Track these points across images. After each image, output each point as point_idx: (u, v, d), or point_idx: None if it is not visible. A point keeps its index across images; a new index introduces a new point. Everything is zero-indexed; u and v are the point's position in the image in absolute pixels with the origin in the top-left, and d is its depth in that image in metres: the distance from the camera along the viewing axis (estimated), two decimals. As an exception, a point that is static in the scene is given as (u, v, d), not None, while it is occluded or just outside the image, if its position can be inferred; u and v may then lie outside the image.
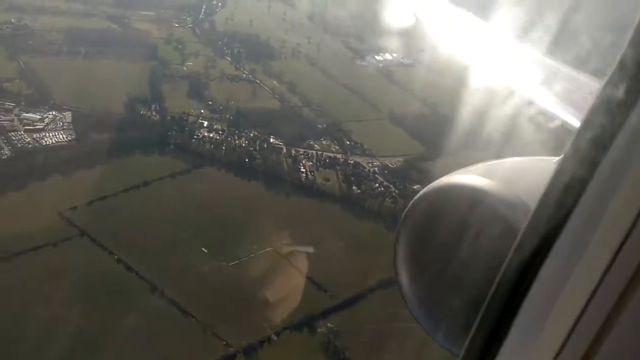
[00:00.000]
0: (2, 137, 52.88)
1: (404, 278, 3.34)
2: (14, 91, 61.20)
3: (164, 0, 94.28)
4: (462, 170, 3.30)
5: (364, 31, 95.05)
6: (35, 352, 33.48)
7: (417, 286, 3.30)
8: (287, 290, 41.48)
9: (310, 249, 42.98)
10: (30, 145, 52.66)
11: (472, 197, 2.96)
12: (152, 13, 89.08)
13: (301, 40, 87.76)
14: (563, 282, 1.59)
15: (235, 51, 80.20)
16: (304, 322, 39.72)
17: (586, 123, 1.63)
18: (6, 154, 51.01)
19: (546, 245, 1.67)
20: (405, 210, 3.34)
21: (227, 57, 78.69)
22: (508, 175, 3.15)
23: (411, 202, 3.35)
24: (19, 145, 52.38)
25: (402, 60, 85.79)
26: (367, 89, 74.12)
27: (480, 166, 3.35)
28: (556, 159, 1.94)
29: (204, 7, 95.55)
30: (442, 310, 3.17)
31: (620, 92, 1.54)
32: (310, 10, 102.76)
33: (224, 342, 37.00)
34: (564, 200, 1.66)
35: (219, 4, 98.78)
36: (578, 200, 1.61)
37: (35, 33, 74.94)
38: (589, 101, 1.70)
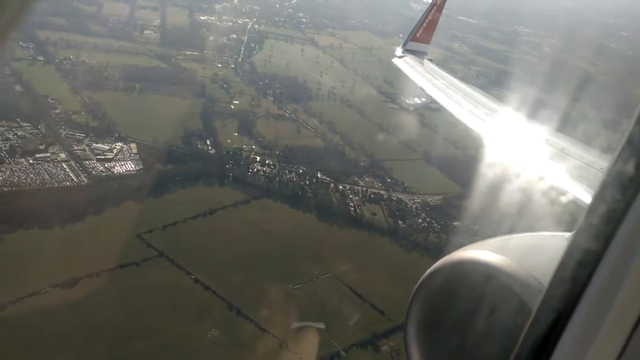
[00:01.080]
0: (79, 165, 57.33)
1: (416, 355, 3.34)
2: (82, 123, 66.03)
3: (206, 42, 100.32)
4: (474, 245, 3.31)
5: (392, 76, 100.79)
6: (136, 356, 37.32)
7: None
8: (348, 311, 45.35)
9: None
10: (104, 174, 57.05)
11: (485, 273, 2.96)
12: (196, 53, 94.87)
13: (335, 83, 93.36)
14: None
15: (276, 91, 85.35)
16: (368, 340, 43.53)
17: (597, 199, 1.73)
18: (84, 180, 55.40)
19: (560, 323, 1.71)
20: (417, 284, 3.38)
21: (270, 97, 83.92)
22: (520, 251, 3.14)
23: (423, 276, 3.39)
24: (94, 173, 56.77)
25: (430, 104, 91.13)
26: (401, 130, 78.80)
27: (492, 241, 3.36)
28: (568, 234, 1.99)
29: (242, 48, 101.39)
30: None
31: (629, 168, 1.66)
32: (340, 55, 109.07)
33: (299, 356, 40.73)
34: (576, 277, 1.71)
35: (256, 46, 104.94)
36: (591, 277, 1.66)
37: (94, 69, 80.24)
38: (600, 178, 1.89)
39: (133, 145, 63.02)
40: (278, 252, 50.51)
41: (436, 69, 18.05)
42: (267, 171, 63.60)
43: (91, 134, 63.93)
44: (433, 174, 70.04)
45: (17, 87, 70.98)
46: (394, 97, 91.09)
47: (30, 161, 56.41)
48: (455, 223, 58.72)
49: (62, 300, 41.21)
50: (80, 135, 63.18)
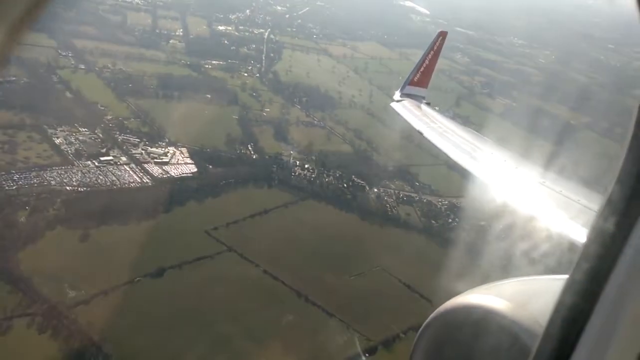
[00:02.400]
0: (140, 168, 62.27)
1: None
2: (133, 128, 70.99)
3: (229, 52, 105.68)
4: (475, 289, 3.37)
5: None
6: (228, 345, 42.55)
7: None
8: (401, 300, 50.96)
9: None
10: (164, 176, 62.04)
11: (490, 319, 3.00)
12: (222, 62, 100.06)
13: (354, 92, 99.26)
14: None
15: (302, 100, 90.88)
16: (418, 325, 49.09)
17: (589, 244, 1.80)
18: (148, 182, 60.36)
19: None
20: (420, 329, 3.50)
21: (297, 105, 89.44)
22: (524, 296, 3.19)
23: (427, 320, 3.49)
24: (155, 175, 61.74)
25: (443, 113, 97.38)
26: (420, 138, 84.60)
27: (493, 286, 3.46)
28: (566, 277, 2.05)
29: (263, 58, 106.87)
30: None
31: (616, 215, 1.75)
32: (353, 65, 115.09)
33: (365, 337, 46.19)
34: (573, 320, 1.76)
35: (275, 56, 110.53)
36: (588, 319, 1.72)
37: (132, 77, 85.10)
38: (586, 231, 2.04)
39: (184, 150, 68.07)
40: (330, 247, 55.88)
41: (433, 113, 18.39)
42: (308, 175, 69.00)
43: (144, 139, 68.86)
44: (454, 178, 75.91)
45: (68, 94, 75.55)
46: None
47: (96, 164, 61.20)
48: (482, 223, 64.51)
49: (155, 289, 46.30)
50: (135, 140, 68.09)
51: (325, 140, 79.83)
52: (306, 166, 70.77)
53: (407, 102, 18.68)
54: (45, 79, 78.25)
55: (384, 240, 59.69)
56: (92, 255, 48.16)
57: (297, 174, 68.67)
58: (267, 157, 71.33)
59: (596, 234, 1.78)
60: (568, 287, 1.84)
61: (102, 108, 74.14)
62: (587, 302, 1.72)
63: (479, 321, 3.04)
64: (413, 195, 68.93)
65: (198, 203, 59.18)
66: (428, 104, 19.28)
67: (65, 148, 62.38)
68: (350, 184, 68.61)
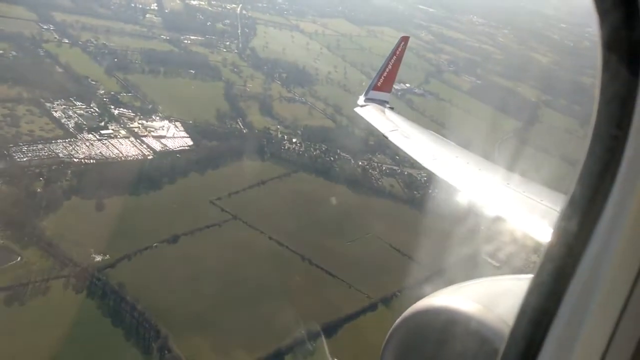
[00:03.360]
0: (139, 141, 65.00)
1: None
2: (127, 102, 73.29)
3: (205, 27, 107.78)
4: (443, 290, 3.40)
5: (377, 64, 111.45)
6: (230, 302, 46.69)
7: None
8: (393, 262, 55.90)
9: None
10: (164, 149, 64.96)
11: (455, 321, 3.03)
12: (200, 38, 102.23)
13: (329, 68, 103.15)
14: None
15: (282, 76, 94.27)
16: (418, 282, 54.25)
17: (553, 242, 1.85)
18: (150, 155, 63.21)
19: None
20: (389, 331, 3.45)
21: (277, 81, 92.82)
22: (491, 296, 3.24)
23: (395, 324, 3.45)
24: (154, 148, 64.61)
25: (415, 90, 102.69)
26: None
27: (460, 287, 3.48)
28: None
29: (239, 34, 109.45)
30: None
31: (573, 226, 1.81)
32: (325, 41, 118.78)
33: (366, 295, 50.98)
34: (538, 319, 1.80)
35: (250, 32, 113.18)
36: (553, 319, 1.77)
37: (117, 52, 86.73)
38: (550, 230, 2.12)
39: (178, 124, 70.92)
40: (325, 216, 60.18)
41: (397, 117, 18.43)
42: (296, 149, 72.92)
43: (139, 113, 71.31)
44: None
45: (58, 68, 76.95)
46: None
47: (97, 137, 63.58)
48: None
49: (172, 253, 49.87)
50: (130, 114, 70.56)
51: (307, 116, 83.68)
52: (294, 140, 74.62)
53: (371, 107, 18.79)
54: (33, 53, 79.30)
55: (373, 210, 64.40)
56: (109, 223, 51.20)
57: (286, 147, 72.48)
58: (256, 131, 74.82)
59: (559, 234, 1.84)
60: (532, 288, 1.90)
61: (94, 82, 75.96)
62: (552, 302, 1.79)
63: (448, 323, 3.05)
64: (395, 167, 73.68)
65: (199, 174, 62.51)
66: (392, 108, 19.20)
67: (65, 122, 64.45)
68: (337, 157, 72.84)
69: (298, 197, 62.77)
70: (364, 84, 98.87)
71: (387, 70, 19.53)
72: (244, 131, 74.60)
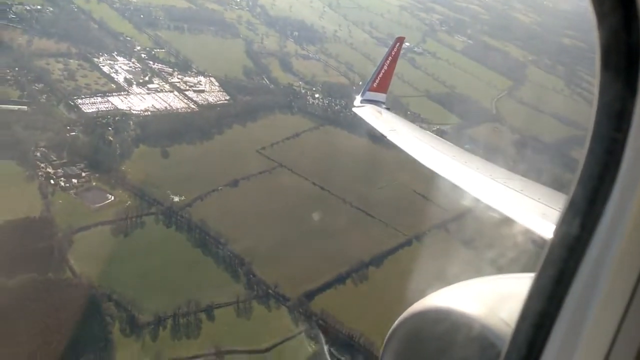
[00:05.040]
0: (182, 96, 71.07)
1: None
2: (163, 58, 78.73)
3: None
4: (444, 289, 3.36)
5: (376, 22, 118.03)
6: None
7: None
8: (419, 206, 64.15)
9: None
10: (205, 102, 71.22)
11: (456, 321, 2.99)
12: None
13: (334, 26, 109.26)
14: None
15: (294, 34, 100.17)
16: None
17: (549, 257, 1.84)
18: (194, 108, 69.47)
19: None
20: (389, 331, 3.43)
21: (290, 39, 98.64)
22: (491, 296, 3.23)
23: (395, 323, 3.41)
24: (199, 102, 70.82)
25: (415, 48, 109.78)
26: (402, 71, 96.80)
27: (461, 286, 3.44)
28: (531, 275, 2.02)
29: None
30: None
31: (574, 228, 1.79)
32: (327, 0, 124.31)
33: (402, 233, 59.22)
34: (540, 322, 1.80)
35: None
36: (554, 321, 1.77)
37: (142, 9, 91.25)
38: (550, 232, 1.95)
39: (213, 79, 76.92)
40: (357, 164, 67.82)
41: (393, 117, 18.63)
42: (319, 103, 79.85)
43: (175, 69, 76.99)
44: (436, 108, 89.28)
45: (93, 25, 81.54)
46: (384, 41, 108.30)
47: (146, 91, 69.42)
48: (465, 146, 78.21)
49: (235, 195, 57.09)
50: (168, 69, 76.17)
51: (323, 73, 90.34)
52: (316, 96, 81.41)
53: (368, 108, 18.83)
54: (67, 9, 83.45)
55: (395, 160, 72.19)
56: (176, 168, 58.04)
57: (310, 102, 79.28)
58: (282, 87, 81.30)
59: (560, 235, 1.83)
60: (534, 290, 1.88)
61: (129, 38, 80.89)
62: (553, 305, 1.78)
63: (449, 324, 3.00)
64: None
65: (241, 126, 69.23)
66: (388, 109, 19.33)
67: (115, 76, 69.94)
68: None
69: (329, 147, 70.08)
70: (368, 43, 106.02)
71: (383, 71, 19.48)
72: (271, 87, 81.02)
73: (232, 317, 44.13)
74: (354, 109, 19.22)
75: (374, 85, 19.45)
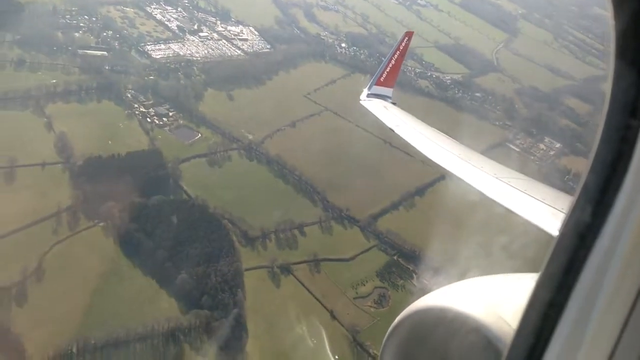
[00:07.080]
0: (230, 44, 77.91)
1: None
2: (204, 8, 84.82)
3: None
4: (444, 288, 3.36)
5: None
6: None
7: None
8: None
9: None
10: (251, 50, 78.29)
11: (457, 320, 2.98)
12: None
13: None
14: None
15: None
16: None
17: (561, 240, 1.79)
18: (243, 55, 76.54)
19: None
20: (389, 329, 3.43)
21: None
22: (491, 296, 3.20)
23: (395, 321, 3.40)
24: (246, 49, 77.82)
25: (418, 1, 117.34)
26: (410, 23, 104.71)
27: (462, 284, 3.42)
28: (535, 275, 1.98)
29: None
30: None
31: (588, 209, 1.73)
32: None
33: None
34: (544, 322, 1.77)
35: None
36: (559, 318, 1.74)
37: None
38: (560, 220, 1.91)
39: (252, 29, 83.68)
40: (388, 109, 76.45)
41: (399, 112, 18.57)
42: (346, 52, 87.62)
43: (217, 18, 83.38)
44: (446, 58, 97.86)
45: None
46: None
47: (198, 39, 76.04)
48: (477, 94, 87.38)
49: (295, 135, 65.36)
50: (211, 18, 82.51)
51: (344, 23, 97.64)
52: (342, 45, 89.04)
53: (374, 102, 18.79)
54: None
55: (422, 105, 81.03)
56: (243, 110, 65.84)
57: (339, 51, 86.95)
58: (312, 36, 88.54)
59: (570, 224, 1.78)
60: (540, 284, 1.85)
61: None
62: (560, 298, 1.76)
63: (448, 323, 2.98)
64: (425, 72, 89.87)
65: (285, 73, 76.82)
66: (394, 103, 19.17)
67: (169, 24, 76.20)
68: (379, 61, 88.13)
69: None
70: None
71: (391, 65, 19.14)
72: (302, 36, 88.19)
73: (319, 233, 53.48)
74: (360, 102, 19.11)
75: (381, 80, 19.34)
